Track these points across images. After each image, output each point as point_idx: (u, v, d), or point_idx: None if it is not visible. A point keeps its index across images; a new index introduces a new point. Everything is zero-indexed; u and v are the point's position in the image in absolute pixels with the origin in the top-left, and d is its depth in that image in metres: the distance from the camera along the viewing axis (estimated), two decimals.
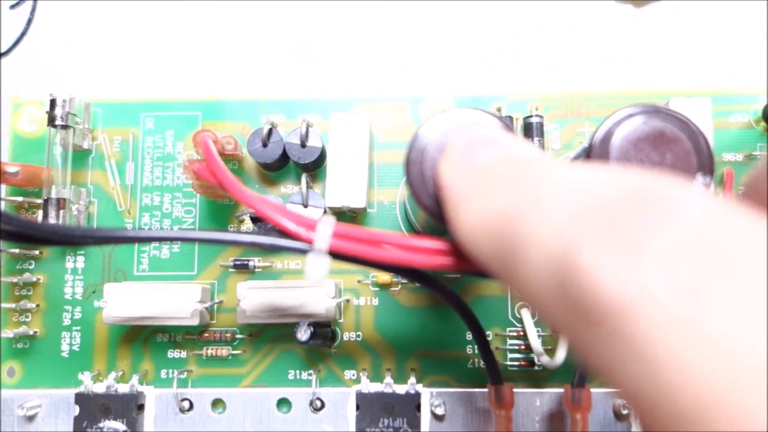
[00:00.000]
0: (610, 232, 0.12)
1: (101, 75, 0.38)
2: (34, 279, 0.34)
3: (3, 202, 0.34)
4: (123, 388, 0.32)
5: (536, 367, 0.33)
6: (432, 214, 0.20)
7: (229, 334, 0.33)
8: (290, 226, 0.21)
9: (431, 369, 0.33)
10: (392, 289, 0.33)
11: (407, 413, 0.31)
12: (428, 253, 0.20)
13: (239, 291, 0.31)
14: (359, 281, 0.33)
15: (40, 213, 0.32)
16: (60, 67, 0.38)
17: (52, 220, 0.32)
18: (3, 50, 0.37)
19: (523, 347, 0.33)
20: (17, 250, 0.34)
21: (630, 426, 0.32)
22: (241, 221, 0.33)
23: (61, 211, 0.32)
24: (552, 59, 0.37)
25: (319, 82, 0.37)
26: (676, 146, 0.21)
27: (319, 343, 0.32)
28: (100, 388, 0.32)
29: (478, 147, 0.18)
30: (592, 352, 0.12)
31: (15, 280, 0.33)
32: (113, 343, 0.33)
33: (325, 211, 0.33)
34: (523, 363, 0.33)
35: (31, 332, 0.33)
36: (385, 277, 0.33)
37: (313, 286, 0.31)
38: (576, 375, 0.30)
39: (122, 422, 0.31)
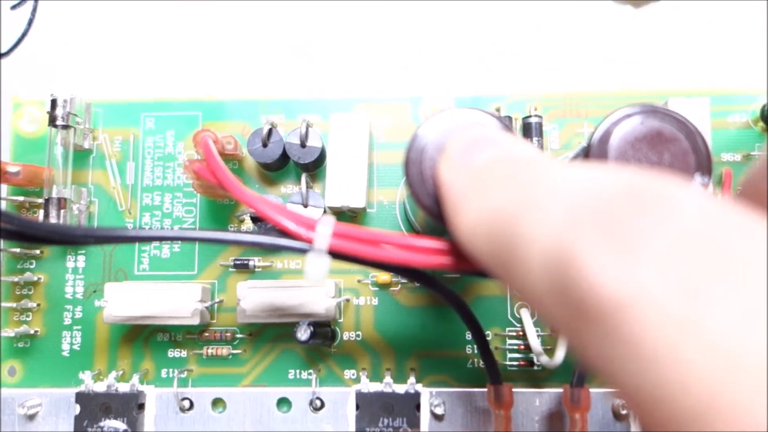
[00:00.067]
0: (609, 231, 0.12)
1: (102, 75, 0.38)
2: (35, 278, 0.34)
3: (4, 202, 0.34)
4: (123, 388, 0.32)
5: (535, 367, 0.33)
6: (431, 213, 0.20)
7: (229, 334, 0.33)
8: (290, 225, 0.21)
9: (431, 369, 0.33)
10: (392, 288, 0.33)
11: (407, 413, 0.31)
12: (428, 252, 0.20)
13: (239, 290, 0.31)
14: (359, 281, 0.33)
15: (41, 212, 0.32)
16: (60, 67, 0.38)
17: (53, 220, 0.32)
18: (4, 50, 0.37)
19: (522, 347, 0.33)
20: (18, 250, 0.34)
21: (629, 426, 0.32)
22: (242, 221, 0.33)
23: (62, 211, 0.32)
24: (551, 59, 0.37)
25: (319, 82, 0.37)
26: (674, 146, 0.21)
27: (319, 343, 0.32)
28: (100, 387, 0.32)
29: (477, 147, 0.18)
30: (590, 352, 0.12)
31: (16, 279, 0.33)
32: (114, 342, 0.34)
33: (324, 211, 0.33)
34: (522, 363, 0.33)
35: (32, 331, 0.33)
36: (384, 276, 0.33)
37: (313, 286, 0.31)
38: (575, 375, 0.30)
39: (123, 421, 0.31)
